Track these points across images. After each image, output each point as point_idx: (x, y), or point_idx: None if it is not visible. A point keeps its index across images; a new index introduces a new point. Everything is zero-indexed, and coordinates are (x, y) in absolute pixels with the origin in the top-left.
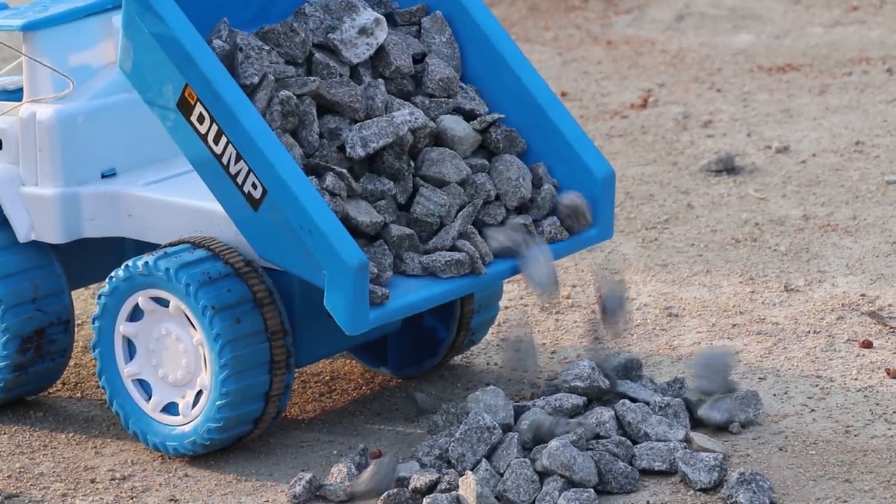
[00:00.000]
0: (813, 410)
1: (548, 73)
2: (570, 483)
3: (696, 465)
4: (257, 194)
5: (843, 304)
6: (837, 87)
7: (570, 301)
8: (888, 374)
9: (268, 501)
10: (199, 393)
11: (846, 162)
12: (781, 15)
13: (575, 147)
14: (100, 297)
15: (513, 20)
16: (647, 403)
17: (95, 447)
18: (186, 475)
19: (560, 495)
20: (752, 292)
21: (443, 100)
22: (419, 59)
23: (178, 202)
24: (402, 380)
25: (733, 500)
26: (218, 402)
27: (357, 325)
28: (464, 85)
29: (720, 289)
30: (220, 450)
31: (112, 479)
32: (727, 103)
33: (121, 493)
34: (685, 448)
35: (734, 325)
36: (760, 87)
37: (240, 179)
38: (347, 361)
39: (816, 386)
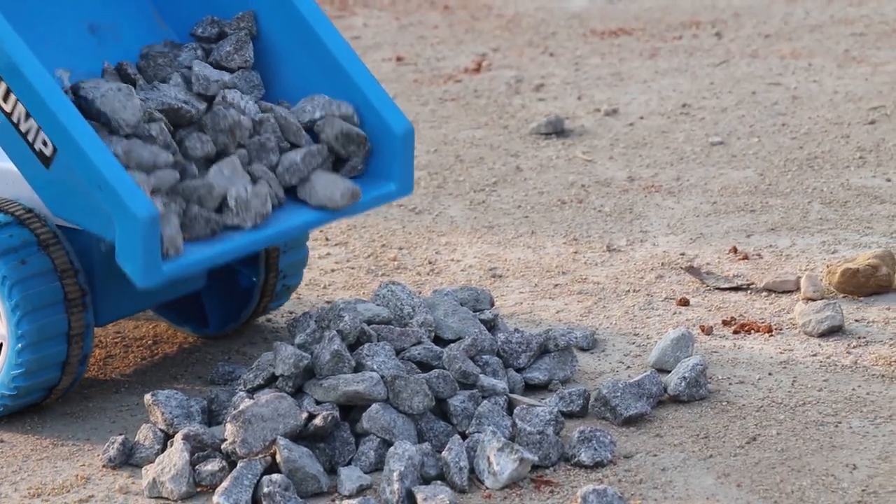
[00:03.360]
0: (629, 367)
1: (384, 37)
2: (388, 444)
3: (532, 421)
4: (48, 152)
5: (662, 264)
6: (668, 50)
7: (395, 263)
8: (703, 331)
9: (84, 465)
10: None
11: (672, 124)
12: None
13: (375, 105)
14: None
15: None
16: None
17: None
18: (1, 441)
19: (375, 454)
20: (576, 253)
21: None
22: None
23: None
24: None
25: (576, 459)
26: (13, 373)
27: (149, 278)
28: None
29: (544, 249)
30: (37, 414)
31: None
32: (560, 67)
33: None
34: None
35: (556, 286)
36: (593, 51)
37: (30, 137)
38: (171, 326)
39: (633, 343)
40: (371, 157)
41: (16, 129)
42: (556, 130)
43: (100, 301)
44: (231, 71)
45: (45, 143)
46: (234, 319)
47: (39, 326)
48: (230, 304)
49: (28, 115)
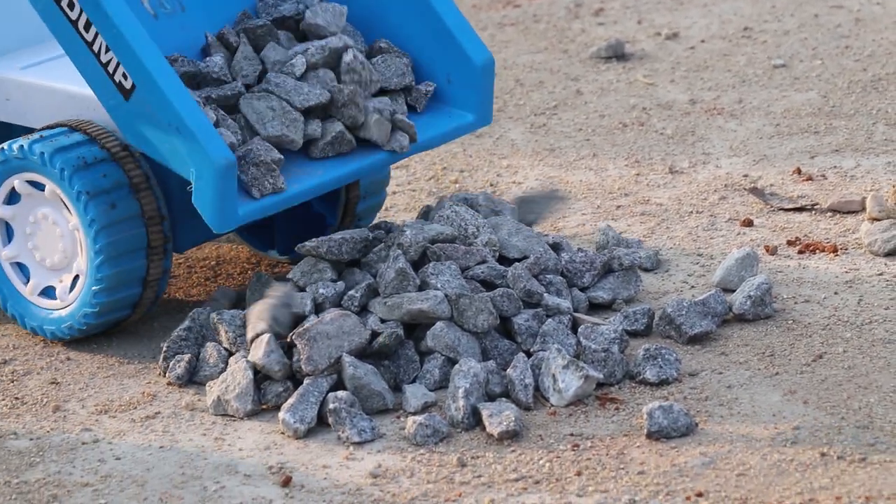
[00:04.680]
0: (693, 287)
1: None
2: (452, 362)
3: (596, 339)
4: (128, 85)
5: (725, 185)
6: None
7: (457, 186)
8: (767, 251)
9: (150, 383)
10: (76, 278)
11: (734, 47)
12: None
13: (456, 35)
14: None
15: None
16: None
17: None
18: (68, 359)
19: (439, 372)
20: (638, 175)
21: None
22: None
23: (56, 86)
24: (288, 263)
25: (641, 377)
26: (94, 288)
27: (224, 224)
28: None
29: (606, 172)
30: (103, 334)
31: None
32: None
33: (1, 376)
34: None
35: (619, 207)
36: None
37: (111, 68)
38: (233, 247)
39: (697, 263)
40: (450, 86)
41: (96, 58)
42: (617, 54)
43: (178, 227)
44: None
45: (125, 76)
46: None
47: (118, 272)
48: (303, 232)
49: (108, 48)
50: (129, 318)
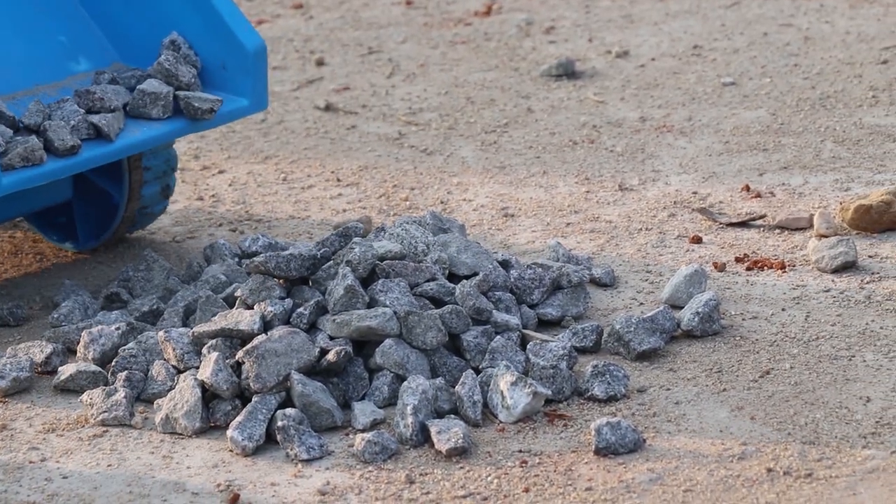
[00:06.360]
0: (642, 304)
1: None
2: (401, 379)
3: (545, 356)
4: None
5: (675, 202)
6: None
7: (408, 203)
8: (715, 267)
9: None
10: None
11: (684, 65)
12: None
13: (227, 22)
14: None
15: None
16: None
17: None
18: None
19: (388, 389)
20: (588, 192)
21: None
22: None
23: None
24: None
25: (589, 393)
26: None
27: None
28: None
29: (556, 189)
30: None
31: None
32: (570, 10)
33: None
34: (532, 341)
35: (568, 224)
36: None
37: None
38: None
39: (646, 280)
40: (226, 73)
41: None
42: (567, 72)
43: None
44: None
45: None
46: (94, 238)
47: None
48: (94, 221)
49: None
50: None
